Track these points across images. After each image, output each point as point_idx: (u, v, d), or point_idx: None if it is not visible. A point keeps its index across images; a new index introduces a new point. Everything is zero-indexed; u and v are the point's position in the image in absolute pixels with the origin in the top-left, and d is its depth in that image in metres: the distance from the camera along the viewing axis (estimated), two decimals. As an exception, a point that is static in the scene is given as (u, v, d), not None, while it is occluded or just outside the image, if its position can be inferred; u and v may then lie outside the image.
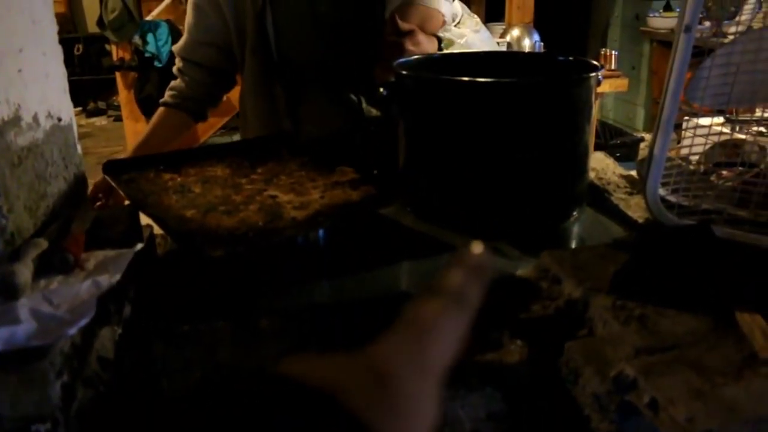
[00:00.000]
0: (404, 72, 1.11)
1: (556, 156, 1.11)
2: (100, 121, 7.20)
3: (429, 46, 1.52)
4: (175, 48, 1.76)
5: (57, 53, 1.17)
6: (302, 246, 1.00)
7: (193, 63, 1.71)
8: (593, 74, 1.12)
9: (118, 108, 5.93)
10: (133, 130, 4.32)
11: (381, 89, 1.11)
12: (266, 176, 1.11)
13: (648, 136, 4.05)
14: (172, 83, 1.76)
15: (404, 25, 1.49)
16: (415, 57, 1.23)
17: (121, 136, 5.02)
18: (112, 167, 1.14)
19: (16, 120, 0.99)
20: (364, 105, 1.63)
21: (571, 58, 1.29)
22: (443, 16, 1.60)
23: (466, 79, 1.02)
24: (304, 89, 1.63)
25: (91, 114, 7.32)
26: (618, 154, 4.08)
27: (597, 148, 4.06)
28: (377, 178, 1.08)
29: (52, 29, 1.16)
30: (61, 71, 1.19)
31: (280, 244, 0.92)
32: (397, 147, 1.15)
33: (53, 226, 1.00)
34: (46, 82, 1.12)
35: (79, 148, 1.24)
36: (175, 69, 1.77)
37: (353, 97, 1.63)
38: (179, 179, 1.11)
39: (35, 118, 1.06)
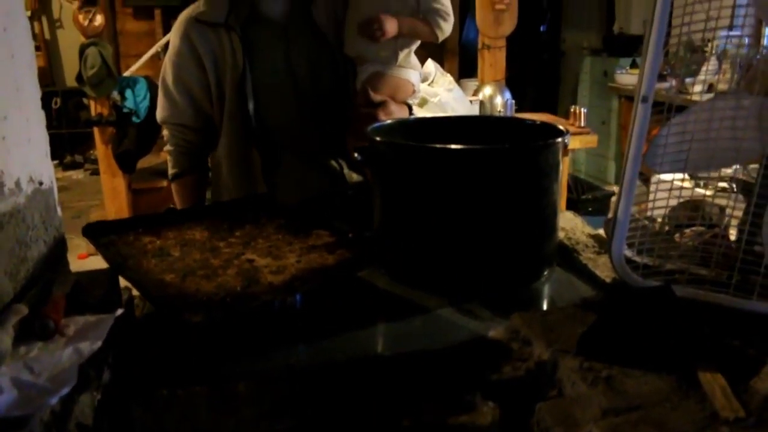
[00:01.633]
0: (378, 138, 1.15)
1: (525, 218, 1.15)
2: (77, 174, 7.18)
3: (400, 114, 1.59)
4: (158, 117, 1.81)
5: (40, 118, 1.20)
6: (279, 310, 1.03)
7: (177, 125, 1.76)
8: (559, 140, 1.17)
9: (95, 161, 5.94)
10: (110, 185, 4.32)
11: (356, 154, 1.15)
12: (244, 239, 1.14)
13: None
14: (169, 156, 1.81)
15: (376, 97, 1.57)
16: (389, 122, 1.27)
17: (97, 190, 5.01)
18: (91, 230, 1.16)
19: (-2, 187, 1.01)
20: (345, 170, 1.67)
21: (537, 122, 1.35)
22: (413, 85, 1.67)
23: (437, 146, 1.06)
24: (281, 154, 1.67)
25: (67, 167, 7.30)
26: (590, 209, 4.16)
27: (569, 203, 4.14)
28: (352, 242, 1.11)
29: (35, 95, 1.19)
30: (43, 135, 1.21)
31: (258, 309, 0.94)
32: (372, 211, 1.18)
33: (33, 291, 1.01)
34: (28, 147, 1.15)
35: (59, 210, 1.26)
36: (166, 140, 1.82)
37: (334, 162, 1.67)
38: (158, 242, 1.13)
39: (17, 183, 1.08)
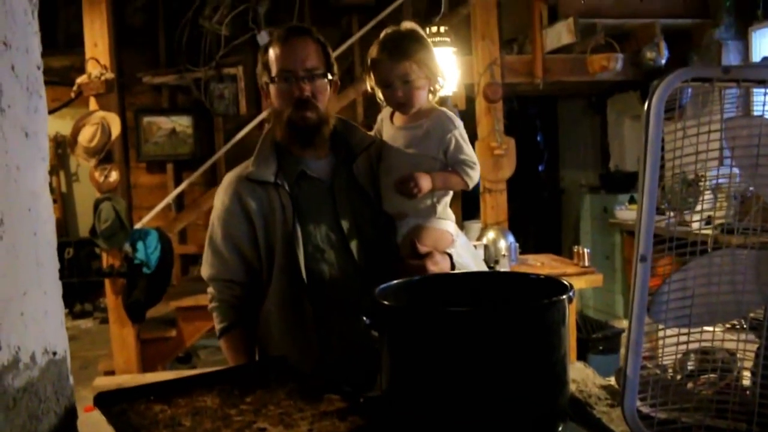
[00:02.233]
0: (384, 301, 1.18)
1: (535, 376, 1.15)
2: (86, 323, 7.19)
3: (444, 264, 1.66)
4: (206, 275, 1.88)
5: (57, 291, 1.23)
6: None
7: (226, 282, 1.82)
8: (564, 297, 1.19)
9: (104, 310, 5.96)
10: (119, 335, 4.32)
11: (364, 318, 1.17)
12: (255, 406, 1.13)
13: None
14: (215, 312, 1.85)
15: (422, 248, 1.64)
16: (395, 282, 1.30)
17: (106, 339, 4.99)
18: (102, 400, 1.16)
19: (14, 363, 1.03)
20: None
21: (542, 276, 1.38)
22: (452, 235, 1.75)
23: (443, 308, 1.09)
24: (330, 308, 1.71)
25: (77, 316, 7.33)
26: (601, 348, 4.12)
27: (579, 342, 4.11)
28: (364, 407, 1.11)
29: (54, 269, 1.23)
30: (59, 307, 1.24)
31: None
32: (382, 373, 1.19)
33: (42, 468, 1.01)
34: (45, 320, 1.17)
35: (71, 378, 1.27)
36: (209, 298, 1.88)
37: None
38: (169, 411, 1.13)
39: (32, 357, 1.10)
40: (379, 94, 1.81)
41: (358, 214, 1.77)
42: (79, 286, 7.24)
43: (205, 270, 1.86)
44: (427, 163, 1.75)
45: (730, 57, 5.24)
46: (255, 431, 1.04)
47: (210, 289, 1.87)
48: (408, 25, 1.82)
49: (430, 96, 1.81)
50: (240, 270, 1.81)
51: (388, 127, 1.85)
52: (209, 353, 5.31)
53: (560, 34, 4.97)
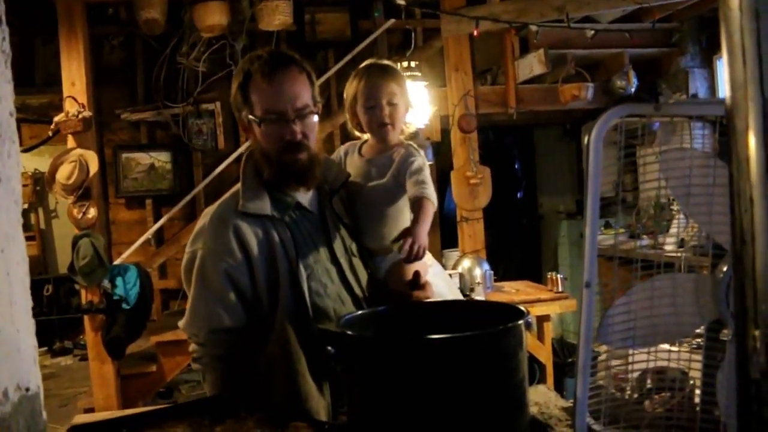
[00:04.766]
0: (345, 330, 1.23)
1: (493, 400, 1.19)
2: (66, 360, 7.13)
3: (431, 292, 1.70)
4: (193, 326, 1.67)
5: (30, 328, 1.26)
6: None
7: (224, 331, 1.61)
8: (519, 322, 1.24)
9: (84, 347, 5.93)
10: (99, 372, 4.30)
11: (328, 347, 1.22)
12: (224, 435, 1.17)
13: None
14: (209, 374, 1.65)
15: (423, 280, 1.68)
16: (360, 312, 1.35)
17: (85, 377, 4.97)
18: (76, 433, 1.19)
19: (-12, 400, 1.06)
20: None
21: (500, 303, 1.44)
22: (427, 265, 1.79)
23: (398, 338, 1.14)
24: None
25: (56, 353, 7.26)
26: (578, 371, 4.17)
27: (555, 367, 4.15)
28: (328, 433, 1.15)
29: (27, 307, 1.26)
30: (32, 343, 1.27)
31: None
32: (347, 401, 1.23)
33: (15, 502, 1.03)
34: (18, 356, 1.21)
35: (44, 414, 1.29)
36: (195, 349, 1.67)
37: None
38: (140, 443, 1.17)
39: (5, 393, 1.13)
40: (355, 127, 1.88)
41: (348, 247, 1.74)
42: (59, 323, 7.20)
43: (197, 323, 1.63)
44: (401, 194, 1.80)
45: (697, 84, 5.40)
46: (222, 460, 1.08)
47: (194, 346, 1.65)
48: (385, 61, 1.93)
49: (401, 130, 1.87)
50: (242, 315, 1.61)
51: (356, 159, 1.89)
52: (190, 387, 5.29)
53: (532, 64, 5.09)
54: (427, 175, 1.78)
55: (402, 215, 1.82)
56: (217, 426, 1.22)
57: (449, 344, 1.17)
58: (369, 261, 1.79)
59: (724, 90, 0.72)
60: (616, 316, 1.11)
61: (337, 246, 1.71)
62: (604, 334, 1.14)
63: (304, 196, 1.71)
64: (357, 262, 1.74)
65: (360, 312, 1.36)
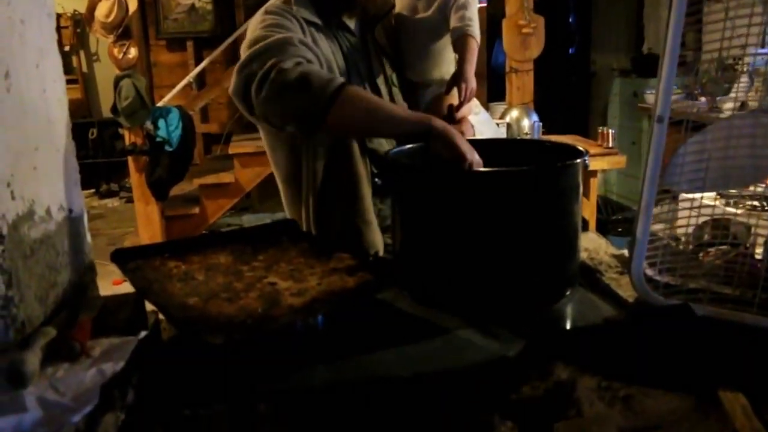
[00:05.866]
0: (398, 162, 1.17)
1: (545, 239, 1.15)
2: (112, 202, 7.33)
3: (472, 131, 1.63)
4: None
5: (70, 149, 1.24)
6: (300, 332, 1.04)
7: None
8: (578, 161, 1.17)
9: (129, 189, 6.06)
10: (143, 212, 4.41)
11: (376, 179, 1.17)
12: (267, 263, 1.16)
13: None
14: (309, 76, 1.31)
15: (458, 114, 1.58)
16: (409, 146, 1.29)
17: (131, 218, 5.10)
18: (119, 255, 1.19)
19: (29, 214, 1.05)
20: None
21: (559, 143, 1.36)
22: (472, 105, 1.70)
23: (455, 170, 1.08)
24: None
25: (103, 196, 7.46)
26: (620, 229, 4.12)
27: (599, 223, 4.11)
28: (373, 264, 1.12)
29: (66, 127, 1.23)
30: (73, 165, 1.26)
31: (277, 330, 0.96)
32: (394, 232, 1.20)
33: (62, 314, 1.05)
34: (59, 177, 1.19)
35: (88, 236, 1.30)
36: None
37: None
38: (183, 267, 1.16)
39: (48, 211, 1.12)
40: None
41: (389, 77, 1.72)
42: (105, 167, 7.33)
43: (276, 47, 1.37)
44: (445, 28, 1.72)
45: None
46: (265, 285, 1.06)
47: (273, 61, 1.31)
48: None
49: None
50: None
51: None
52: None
53: None
54: (474, 11, 1.71)
55: (446, 50, 1.77)
56: (259, 254, 1.21)
57: (507, 177, 1.11)
58: (409, 93, 1.75)
59: None
60: (687, 155, 1.03)
61: (378, 74, 1.69)
62: (671, 176, 1.06)
63: (349, 20, 1.68)
64: (396, 92, 1.71)
65: (408, 146, 1.29)
